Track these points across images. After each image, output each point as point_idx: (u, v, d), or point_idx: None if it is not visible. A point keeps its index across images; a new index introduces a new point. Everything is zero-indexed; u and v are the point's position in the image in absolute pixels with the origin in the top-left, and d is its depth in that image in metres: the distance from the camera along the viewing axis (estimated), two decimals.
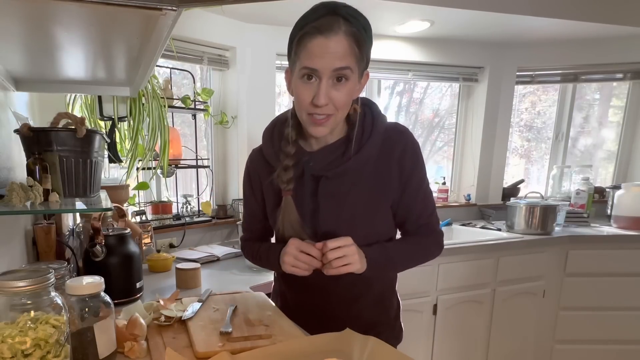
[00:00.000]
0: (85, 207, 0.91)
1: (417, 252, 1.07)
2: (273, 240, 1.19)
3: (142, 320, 0.92)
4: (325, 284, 1.05)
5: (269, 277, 1.65)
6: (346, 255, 0.93)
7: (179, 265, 1.48)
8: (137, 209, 2.02)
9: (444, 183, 2.98)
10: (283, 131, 1.04)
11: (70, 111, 1.68)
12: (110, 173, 1.87)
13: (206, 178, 2.37)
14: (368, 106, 1.01)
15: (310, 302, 1.12)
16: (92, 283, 0.78)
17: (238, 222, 2.08)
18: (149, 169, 1.94)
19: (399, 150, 0.99)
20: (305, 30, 0.86)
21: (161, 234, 2.03)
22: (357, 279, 1.00)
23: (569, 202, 2.80)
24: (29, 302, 0.62)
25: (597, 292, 2.44)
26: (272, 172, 1.04)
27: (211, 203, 2.35)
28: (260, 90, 2.38)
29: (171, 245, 2.06)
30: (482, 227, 2.69)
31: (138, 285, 1.29)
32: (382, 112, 1.05)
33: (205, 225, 2.24)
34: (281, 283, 1.21)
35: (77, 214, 1.59)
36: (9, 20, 0.63)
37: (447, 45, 2.65)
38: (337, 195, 1.00)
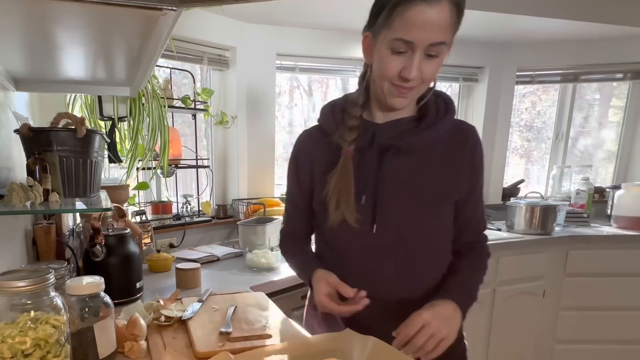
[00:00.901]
0: (85, 207, 0.91)
1: (483, 274, 0.99)
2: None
3: (142, 320, 0.92)
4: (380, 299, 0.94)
5: (269, 277, 1.65)
6: (434, 334, 0.81)
7: (179, 265, 1.48)
8: (137, 209, 2.02)
9: None
10: (345, 107, 0.97)
11: (70, 111, 1.68)
12: (110, 173, 1.87)
13: (206, 178, 2.37)
14: (440, 95, 0.97)
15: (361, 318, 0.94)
16: (92, 283, 0.78)
17: (238, 222, 2.08)
18: (149, 169, 1.94)
19: (470, 143, 0.94)
20: None
21: (161, 234, 2.03)
22: (415, 296, 0.93)
23: (569, 202, 2.80)
24: (29, 302, 0.62)
25: (597, 292, 2.44)
26: (327, 144, 0.96)
27: (211, 203, 2.35)
28: (260, 90, 2.38)
29: (171, 245, 2.06)
30: None
31: (138, 285, 1.29)
32: None
33: (205, 225, 2.24)
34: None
35: (77, 214, 1.59)
36: (9, 20, 0.63)
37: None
38: (404, 172, 0.92)
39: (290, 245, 1.14)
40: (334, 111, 1.00)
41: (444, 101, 0.95)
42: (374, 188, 0.93)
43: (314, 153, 1.02)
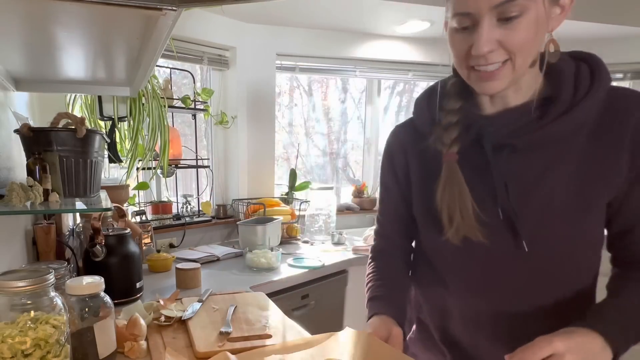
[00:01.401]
0: (85, 207, 0.91)
1: None
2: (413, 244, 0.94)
3: (142, 320, 0.92)
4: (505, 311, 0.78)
5: (269, 277, 1.65)
6: None
7: (179, 265, 1.48)
8: (137, 209, 2.02)
9: None
10: (443, 97, 0.79)
11: (70, 111, 1.68)
12: (110, 173, 1.87)
13: (206, 178, 2.37)
14: (585, 60, 0.71)
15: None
16: (92, 283, 0.78)
17: (238, 222, 2.08)
18: (149, 169, 1.94)
19: (633, 121, 0.67)
20: None
21: (161, 234, 2.03)
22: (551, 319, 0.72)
23: None
24: (29, 302, 0.62)
25: (599, 291, 2.43)
26: (423, 144, 0.80)
27: (211, 203, 2.35)
28: (260, 90, 2.38)
29: (171, 245, 2.06)
30: None
31: (138, 285, 1.29)
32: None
33: (205, 225, 2.24)
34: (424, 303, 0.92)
35: (77, 214, 1.59)
36: (9, 20, 0.63)
37: (447, 45, 2.63)
38: (528, 175, 0.71)
39: (373, 267, 0.94)
40: (430, 103, 0.81)
41: (590, 69, 0.70)
42: (493, 196, 0.74)
43: (410, 151, 0.86)
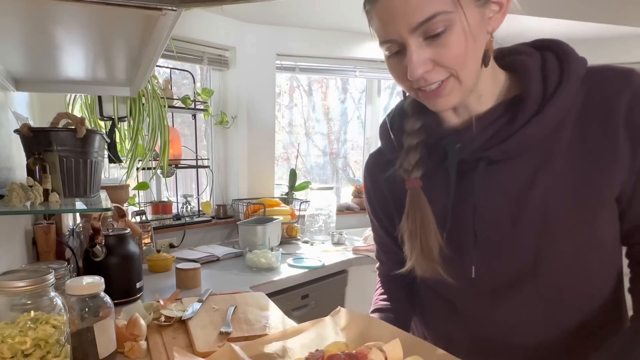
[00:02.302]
0: (85, 207, 0.91)
1: None
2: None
3: (142, 320, 0.92)
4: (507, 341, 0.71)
5: (269, 277, 1.65)
6: None
7: (179, 265, 1.48)
8: (137, 209, 2.02)
9: None
10: (403, 118, 0.74)
11: (70, 111, 1.68)
12: (110, 173, 1.87)
13: (206, 178, 2.37)
14: (549, 49, 0.65)
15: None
16: (92, 283, 0.78)
17: (238, 222, 2.08)
18: (149, 169, 1.94)
19: (624, 100, 0.59)
20: None
21: (161, 234, 2.03)
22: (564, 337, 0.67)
23: None
24: (29, 302, 0.62)
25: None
26: (392, 168, 0.75)
27: (211, 203, 2.35)
28: (260, 90, 2.38)
29: (171, 245, 2.06)
30: None
31: (138, 285, 1.29)
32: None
33: (205, 225, 2.24)
34: (424, 330, 0.86)
35: (77, 214, 1.59)
36: (9, 20, 0.63)
37: None
38: (512, 187, 0.65)
39: (377, 286, 0.92)
40: (393, 126, 0.76)
41: (557, 58, 0.63)
42: (461, 220, 0.69)
43: (381, 182, 0.81)
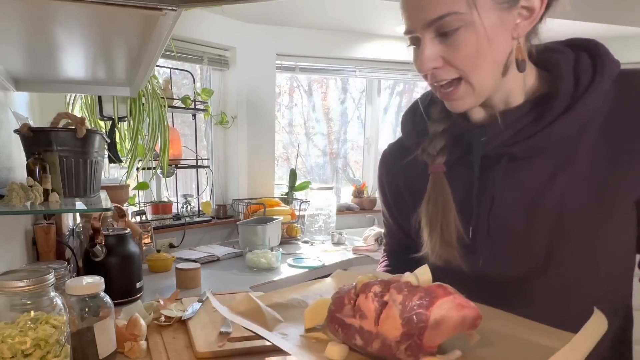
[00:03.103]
0: (85, 207, 0.91)
1: None
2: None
3: (142, 320, 0.92)
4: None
5: (269, 277, 1.65)
6: None
7: (179, 265, 1.48)
8: (137, 209, 2.02)
9: None
10: (430, 105, 0.75)
11: (70, 111, 1.68)
12: (110, 173, 1.87)
13: (206, 178, 2.37)
14: (584, 47, 0.64)
15: None
16: (92, 283, 0.78)
17: (238, 222, 2.08)
18: (149, 169, 1.94)
19: None
20: None
21: (161, 234, 2.03)
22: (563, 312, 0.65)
23: None
24: (29, 302, 0.62)
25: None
26: (415, 162, 0.74)
27: (211, 203, 2.35)
28: (260, 90, 2.38)
29: (171, 245, 2.06)
30: None
31: (138, 285, 1.29)
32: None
33: (205, 225, 2.24)
34: None
35: (77, 214, 1.59)
36: (9, 20, 0.63)
37: None
38: (533, 183, 0.64)
39: (383, 263, 0.93)
40: (416, 114, 0.76)
41: (591, 57, 0.62)
42: (481, 213, 0.68)
43: (396, 171, 0.81)
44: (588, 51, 0.63)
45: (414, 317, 0.51)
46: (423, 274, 0.59)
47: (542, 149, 0.63)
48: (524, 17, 0.59)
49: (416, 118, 0.76)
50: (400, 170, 0.80)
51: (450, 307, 0.52)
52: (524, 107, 0.64)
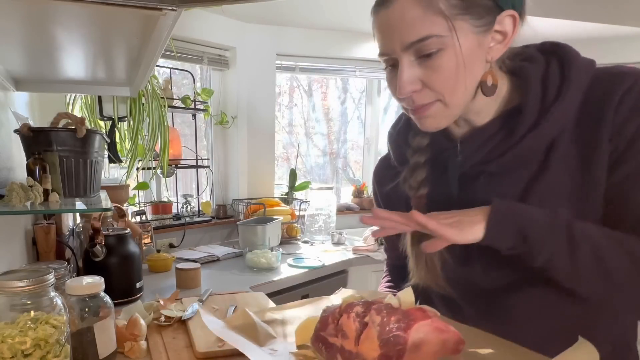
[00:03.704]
0: (85, 207, 0.91)
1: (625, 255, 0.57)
2: None
3: (142, 320, 0.92)
4: (476, 283, 0.70)
5: (269, 277, 1.65)
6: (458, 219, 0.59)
7: (179, 265, 1.48)
8: (137, 209, 2.02)
9: None
10: (409, 130, 0.74)
11: (70, 111, 1.68)
12: (110, 173, 1.87)
13: (206, 178, 2.37)
14: (555, 54, 0.63)
15: None
16: (92, 283, 0.78)
17: (238, 222, 2.08)
18: (149, 169, 1.94)
19: (614, 102, 0.57)
20: (373, 5, 0.62)
21: (161, 234, 2.03)
22: (543, 304, 0.65)
23: None
24: (29, 302, 0.62)
25: None
26: (397, 176, 0.76)
27: (211, 203, 2.35)
28: (260, 90, 2.38)
29: (171, 245, 2.06)
30: None
31: (138, 285, 1.29)
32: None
33: (205, 225, 2.24)
34: None
35: (77, 214, 1.59)
36: (9, 20, 0.63)
37: None
38: (512, 197, 0.64)
39: (385, 278, 0.94)
40: (399, 135, 0.76)
41: (560, 66, 0.61)
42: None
43: (387, 187, 0.80)
44: (558, 57, 0.62)
45: (391, 339, 0.52)
46: (406, 297, 0.60)
47: (517, 163, 0.63)
48: (497, 40, 0.59)
49: (399, 139, 0.76)
50: (391, 190, 0.80)
51: (428, 330, 0.52)
52: (495, 123, 0.65)
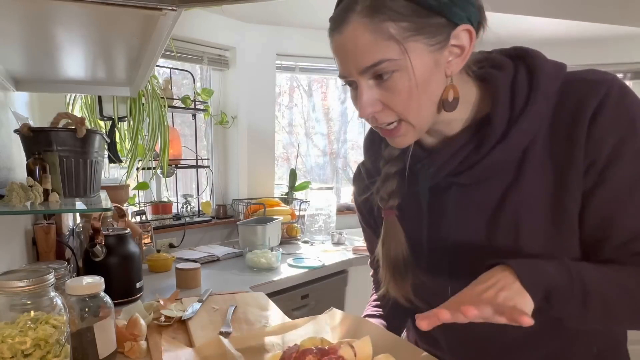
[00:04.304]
0: (85, 207, 0.91)
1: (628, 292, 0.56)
2: None
3: (142, 320, 0.91)
4: (488, 335, 0.70)
5: (269, 277, 1.65)
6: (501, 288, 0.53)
7: (179, 265, 1.48)
8: (137, 209, 2.02)
9: None
10: (382, 140, 0.73)
11: (70, 111, 1.68)
12: (110, 173, 1.87)
13: (206, 178, 2.37)
14: (522, 59, 0.62)
15: None
16: (92, 283, 0.78)
17: (238, 222, 2.08)
18: (149, 169, 1.94)
19: (588, 113, 0.56)
20: (328, 28, 0.62)
21: (161, 234, 2.03)
22: (542, 326, 0.61)
23: None
24: (29, 302, 0.62)
25: None
26: (370, 187, 0.75)
27: (211, 203, 2.35)
28: (260, 90, 2.38)
29: (171, 245, 2.06)
30: None
31: (138, 285, 1.29)
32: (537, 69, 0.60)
33: (205, 225, 2.24)
34: (414, 333, 0.88)
35: (77, 214, 1.59)
36: (9, 20, 0.63)
37: None
38: (485, 207, 0.64)
39: (373, 297, 0.93)
40: (373, 146, 0.76)
41: (529, 72, 0.61)
42: (436, 243, 0.69)
43: (364, 199, 0.79)
44: (526, 64, 0.62)
45: None
46: (362, 347, 0.61)
47: (488, 174, 0.63)
48: (456, 54, 0.59)
49: (373, 150, 0.76)
50: (364, 201, 0.79)
51: None
52: (464, 134, 0.64)
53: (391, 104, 0.60)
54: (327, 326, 0.82)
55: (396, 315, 0.86)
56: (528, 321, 0.47)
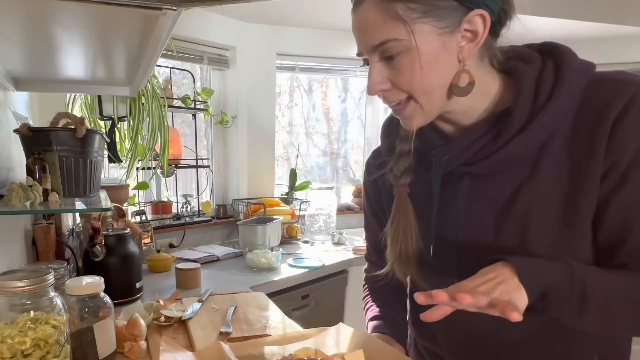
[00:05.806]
0: (85, 207, 0.91)
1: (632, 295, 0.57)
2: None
3: (142, 321, 0.91)
4: (486, 335, 0.71)
5: (269, 277, 1.65)
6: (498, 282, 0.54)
7: (179, 265, 1.48)
8: (137, 209, 2.02)
9: None
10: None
11: (70, 111, 1.68)
12: (110, 173, 1.87)
13: (206, 178, 2.37)
14: (552, 55, 0.62)
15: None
16: (92, 283, 0.77)
17: (238, 222, 2.08)
18: (148, 168, 1.94)
19: (614, 112, 0.56)
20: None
21: (161, 234, 2.02)
22: (541, 329, 0.65)
23: None
24: (28, 302, 0.62)
25: None
26: (384, 165, 0.76)
27: (211, 203, 2.35)
28: (260, 90, 2.38)
29: (171, 245, 2.06)
30: None
31: (138, 285, 1.29)
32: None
33: (205, 225, 2.24)
34: (413, 330, 0.88)
35: (77, 214, 1.58)
36: (9, 20, 0.63)
37: None
38: (497, 199, 0.64)
39: (368, 291, 0.94)
40: (392, 127, 0.75)
41: (556, 68, 0.60)
42: (445, 231, 0.69)
43: (378, 179, 0.80)
44: (555, 60, 0.61)
45: None
46: None
47: (503, 167, 0.63)
48: (469, 39, 0.58)
49: (391, 131, 0.76)
50: (381, 180, 0.79)
51: None
52: (482, 124, 0.64)
53: (398, 83, 0.61)
54: (331, 339, 0.82)
55: (397, 299, 0.88)
56: (517, 317, 0.48)
